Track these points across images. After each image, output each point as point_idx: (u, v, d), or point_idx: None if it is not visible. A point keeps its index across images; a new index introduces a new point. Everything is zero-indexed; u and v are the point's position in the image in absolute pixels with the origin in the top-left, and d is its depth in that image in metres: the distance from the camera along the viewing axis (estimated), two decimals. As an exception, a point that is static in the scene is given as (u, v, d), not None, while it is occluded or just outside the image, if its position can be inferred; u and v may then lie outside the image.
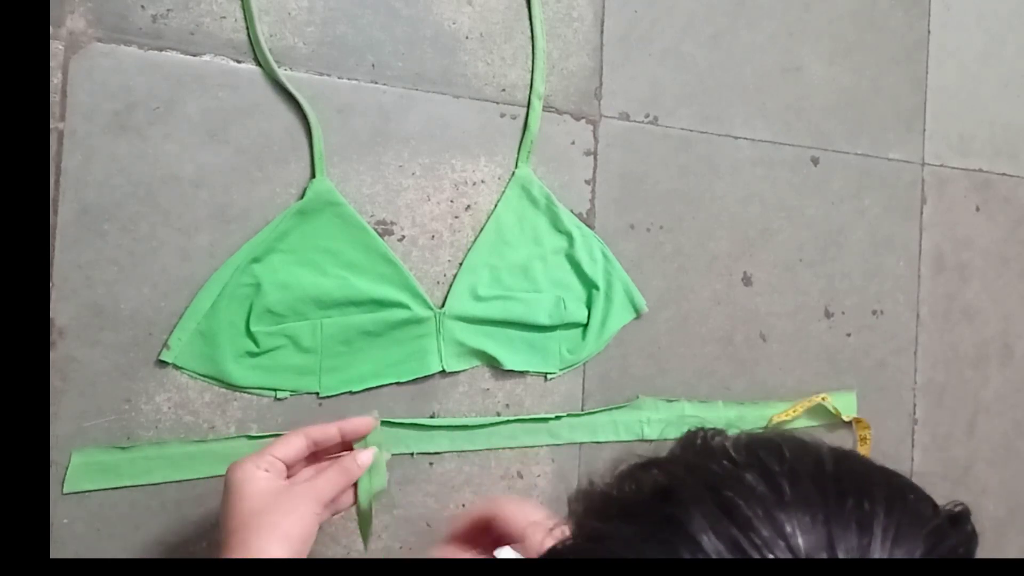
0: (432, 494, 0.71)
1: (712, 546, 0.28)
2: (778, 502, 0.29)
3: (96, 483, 0.61)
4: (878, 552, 0.28)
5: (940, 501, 0.33)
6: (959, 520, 0.32)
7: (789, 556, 0.28)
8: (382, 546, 0.70)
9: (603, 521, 0.32)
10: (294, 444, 0.54)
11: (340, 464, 0.55)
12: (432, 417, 0.71)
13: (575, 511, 0.34)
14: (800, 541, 0.28)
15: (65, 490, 0.60)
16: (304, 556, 0.50)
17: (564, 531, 0.34)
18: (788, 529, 0.28)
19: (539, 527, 0.51)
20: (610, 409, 0.78)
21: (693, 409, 0.82)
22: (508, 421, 0.74)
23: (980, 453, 1.01)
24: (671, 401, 0.81)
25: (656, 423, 0.80)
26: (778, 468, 0.30)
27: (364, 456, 0.56)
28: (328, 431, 0.57)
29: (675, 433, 0.36)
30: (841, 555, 0.28)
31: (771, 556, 0.27)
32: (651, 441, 0.79)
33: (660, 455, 0.35)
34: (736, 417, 0.84)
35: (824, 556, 0.28)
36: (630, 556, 0.29)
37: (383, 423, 0.69)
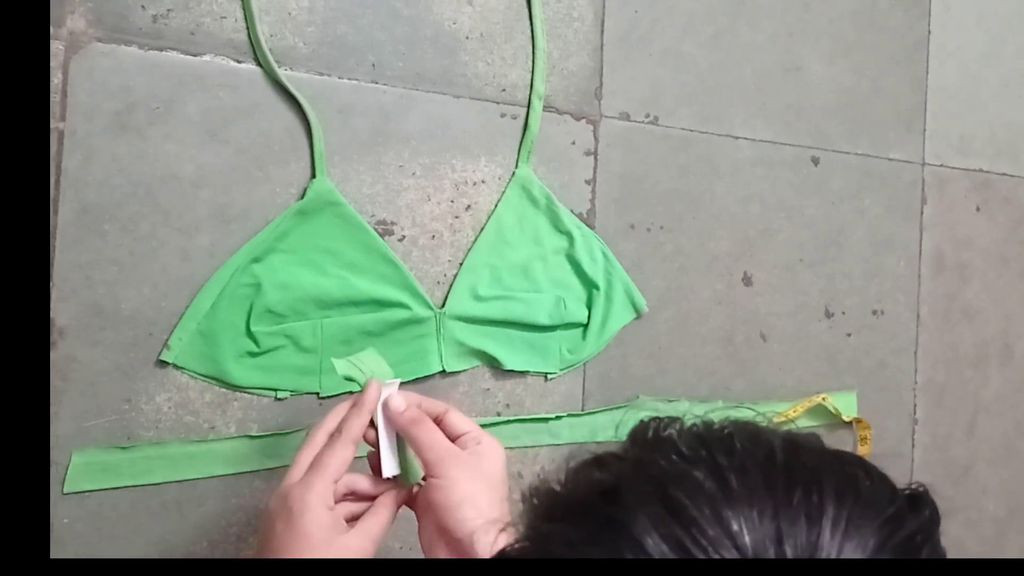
0: (432, 494, 0.71)
1: (656, 549, 0.27)
2: (726, 499, 0.28)
3: (96, 483, 0.61)
4: (827, 546, 0.27)
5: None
6: (917, 504, 0.31)
7: (736, 556, 0.27)
8: (382, 546, 0.69)
9: (550, 522, 0.32)
10: (345, 458, 0.52)
11: (384, 501, 0.53)
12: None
13: (527, 509, 0.33)
14: (747, 539, 0.27)
15: (65, 490, 0.60)
16: None
17: (516, 530, 0.33)
18: (735, 527, 0.27)
19: (492, 526, 0.51)
20: (610, 409, 0.78)
21: (693, 409, 0.82)
22: (508, 421, 0.74)
23: (980, 453, 1.01)
24: (671, 401, 0.81)
25: None
26: (727, 462, 0.29)
27: (403, 495, 0.55)
28: (363, 422, 0.54)
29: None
30: (789, 550, 0.27)
31: (717, 557, 0.27)
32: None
33: (613, 449, 0.34)
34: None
35: (772, 553, 0.27)
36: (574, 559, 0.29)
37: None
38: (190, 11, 0.63)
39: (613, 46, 0.78)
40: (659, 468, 0.30)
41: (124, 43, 0.61)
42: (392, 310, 0.68)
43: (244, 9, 0.64)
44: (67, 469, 0.59)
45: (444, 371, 0.71)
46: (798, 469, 0.30)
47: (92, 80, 0.60)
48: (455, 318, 0.70)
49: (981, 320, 1.01)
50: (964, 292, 1.00)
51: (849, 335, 0.92)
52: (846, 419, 0.89)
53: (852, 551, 0.27)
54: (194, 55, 0.63)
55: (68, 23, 0.59)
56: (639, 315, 0.79)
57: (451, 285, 0.71)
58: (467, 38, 0.72)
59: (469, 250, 0.72)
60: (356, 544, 0.50)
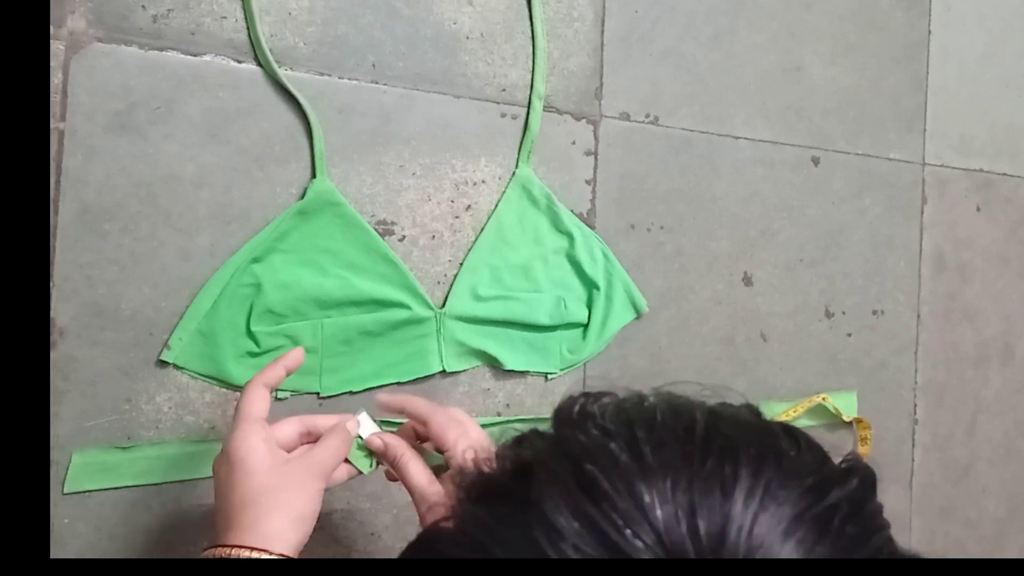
0: (432, 494, 0.71)
1: (568, 526, 0.27)
2: (640, 472, 0.28)
3: (97, 483, 0.61)
4: (738, 517, 0.27)
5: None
6: (847, 474, 0.30)
7: (648, 531, 0.27)
8: (382, 546, 0.69)
9: (471, 501, 0.32)
10: (263, 397, 0.53)
11: (335, 431, 0.53)
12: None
13: (455, 490, 0.33)
14: (659, 513, 0.27)
15: (66, 490, 0.60)
16: (309, 533, 0.49)
17: (445, 508, 0.33)
18: (647, 500, 0.27)
19: (426, 499, 0.51)
20: None
21: None
22: (509, 421, 0.74)
23: (981, 453, 1.01)
24: None
25: None
26: (645, 435, 0.29)
27: (353, 422, 0.55)
28: (320, 422, 0.55)
29: None
30: (701, 524, 0.27)
31: (629, 532, 0.26)
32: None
33: (539, 427, 0.34)
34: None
35: (683, 527, 0.27)
36: (487, 539, 0.28)
37: (383, 422, 0.69)
38: (190, 11, 0.63)
39: (613, 46, 0.78)
40: (577, 443, 0.30)
41: (124, 43, 0.61)
42: (392, 310, 0.68)
43: (244, 9, 0.64)
44: (68, 469, 0.59)
45: (444, 371, 0.71)
46: (716, 440, 0.29)
47: (92, 80, 0.60)
48: (455, 318, 0.70)
49: (982, 320, 1.01)
50: (965, 292, 1.00)
51: (849, 335, 0.92)
52: (846, 419, 0.89)
53: (767, 521, 0.27)
54: (194, 55, 0.63)
55: (68, 23, 0.59)
56: (639, 315, 0.79)
57: (451, 285, 0.71)
58: (467, 38, 0.72)
59: (469, 250, 0.72)
60: (302, 469, 0.50)
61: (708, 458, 0.28)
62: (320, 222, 0.66)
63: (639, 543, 0.26)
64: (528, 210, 0.74)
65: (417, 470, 0.53)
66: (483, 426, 0.72)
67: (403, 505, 0.70)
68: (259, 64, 0.65)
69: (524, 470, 0.30)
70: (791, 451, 0.30)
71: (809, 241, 0.89)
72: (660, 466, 0.28)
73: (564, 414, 0.34)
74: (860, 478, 0.31)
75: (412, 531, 0.72)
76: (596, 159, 0.78)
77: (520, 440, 0.33)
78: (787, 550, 0.27)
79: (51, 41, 0.58)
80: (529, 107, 0.74)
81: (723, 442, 0.29)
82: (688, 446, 0.29)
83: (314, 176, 0.66)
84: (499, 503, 0.30)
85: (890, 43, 0.94)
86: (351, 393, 0.68)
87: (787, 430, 0.31)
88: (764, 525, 0.27)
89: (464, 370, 0.72)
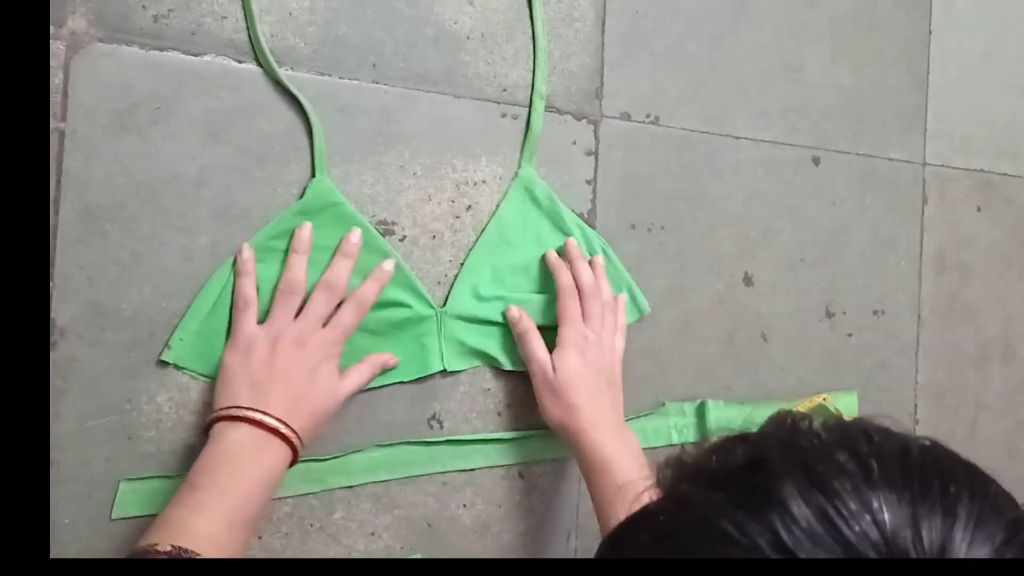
0: (433, 494, 0.71)
1: (801, 513, 0.29)
2: (866, 479, 0.30)
3: (143, 509, 0.61)
4: (960, 534, 0.29)
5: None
6: None
7: (874, 530, 0.29)
8: (382, 546, 0.69)
9: (694, 486, 0.34)
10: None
11: (353, 296, 0.60)
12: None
13: (664, 477, 0.35)
14: (886, 516, 0.29)
15: (114, 516, 0.60)
16: (318, 417, 0.61)
17: (654, 494, 0.35)
18: (875, 504, 0.29)
19: (630, 488, 0.53)
20: (638, 417, 0.78)
21: (716, 410, 0.82)
22: (517, 437, 0.74)
23: (981, 453, 1.00)
24: (695, 403, 0.81)
25: (685, 427, 0.80)
26: (866, 449, 0.32)
27: (387, 265, 0.64)
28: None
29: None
30: (924, 534, 0.29)
31: (857, 528, 0.29)
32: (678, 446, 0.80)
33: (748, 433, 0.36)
34: (738, 417, 0.84)
35: (908, 533, 0.29)
36: (719, 520, 0.30)
37: (380, 447, 0.69)
38: (191, 11, 0.63)
39: (614, 46, 0.78)
40: (802, 448, 0.33)
41: (125, 43, 0.61)
42: (393, 309, 0.68)
43: (245, 9, 0.64)
44: (115, 496, 0.60)
45: (445, 371, 0.71)
46: (932, 464, 0.32)
47: (93, 80, 0.60)
48: (456, 317, 0.70)
49: (982, 320, 1.01)
50: (965, 292, 1.00)
51: (850, 335, 0.92)
52: (847, 419, 0.89)
53: (982, 542, 0.29)
54: (195, 55, 0.63)
55: (69, 23, 0.59)
56: (641, 316, 0.79)
57: (452, 285, 0.71)
58: (468, 38, 0.72)
59: (470, 250, 0.72)
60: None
61: (929, 479, 0.31)
62: (320, 222, 0.66)
63: (867, 540, 0.29)
64: (531, 211, 0.74)
65: (538, 341, 0.69)
66: (484, 440, 0.73)
67: (404, 505, 0.70)
68: (259, 64, 0.65)
69: (755, 462, 0.32)
70: (991, 486, 0.33)
71: (810, 241, 0.89)
72: (884, 478, 0.30)
73: (779, 423, 0.36)
74: None
75: (412, 532, 0.72)
76: (597, 159, 0.78)
77: (740, 439, 0.35)
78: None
79: (51, 41, 0.58)
80: (531, 107, 0.74)
81: (938, 467, 0.32)
82: (906, 465, 0.31)
83: (314, 176, 0.66)
84: (730, 488, 0.32)
85: (891, 43, 0.94)
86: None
87: (981, 469, 0.34)
88: (980, 544, 0.29)
89: (465, 369, 0.72)
